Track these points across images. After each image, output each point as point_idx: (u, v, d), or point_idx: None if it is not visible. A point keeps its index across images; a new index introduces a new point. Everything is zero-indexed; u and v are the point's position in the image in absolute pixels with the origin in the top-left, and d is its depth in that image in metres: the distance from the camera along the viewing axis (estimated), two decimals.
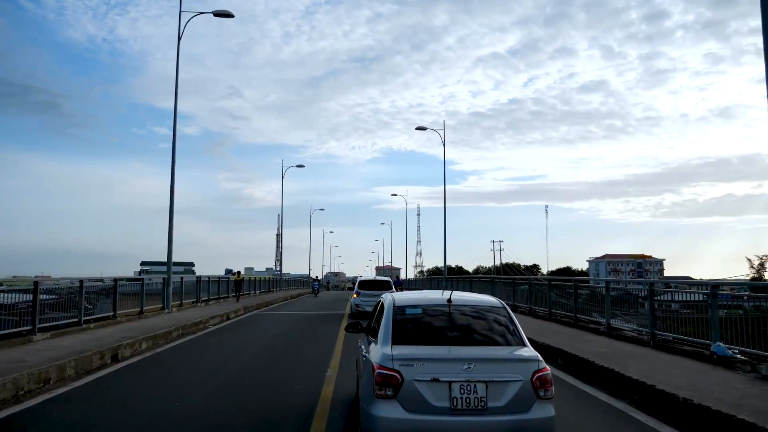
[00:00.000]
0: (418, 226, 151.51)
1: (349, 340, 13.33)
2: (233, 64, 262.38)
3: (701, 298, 10.71)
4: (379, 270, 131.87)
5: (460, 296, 5.69)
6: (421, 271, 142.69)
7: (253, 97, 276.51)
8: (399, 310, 5.32)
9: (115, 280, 15.63)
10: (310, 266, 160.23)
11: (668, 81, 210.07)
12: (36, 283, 12.00)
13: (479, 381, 4.44)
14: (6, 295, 11.50)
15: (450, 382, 4.44)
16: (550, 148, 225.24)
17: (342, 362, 10.37)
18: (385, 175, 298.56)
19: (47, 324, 12.18)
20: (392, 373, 4.47)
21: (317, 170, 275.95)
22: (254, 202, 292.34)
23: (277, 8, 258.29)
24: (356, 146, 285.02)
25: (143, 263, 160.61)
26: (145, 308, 17.77)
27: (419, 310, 5.37)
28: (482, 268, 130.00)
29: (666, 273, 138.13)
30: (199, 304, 23.68)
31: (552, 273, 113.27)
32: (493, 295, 11.39)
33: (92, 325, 13.86)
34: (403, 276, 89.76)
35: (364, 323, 6.59)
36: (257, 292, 37.66)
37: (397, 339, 4.93)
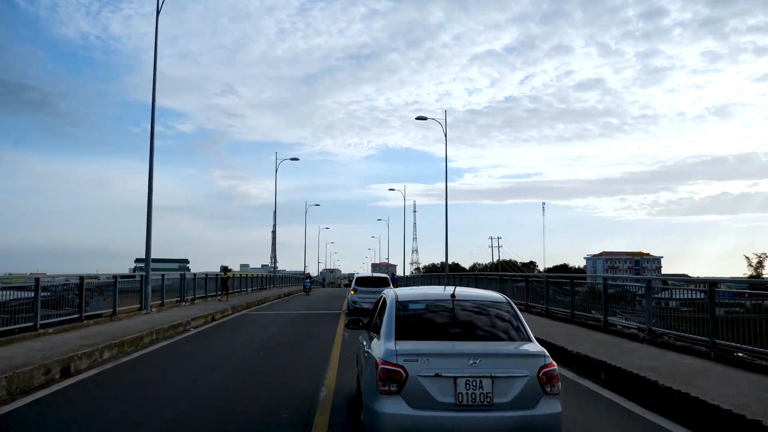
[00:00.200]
0: (414, 223, 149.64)
1: (348, 347, 11.56)
2: (228, 61, 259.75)
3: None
4: (375, 267, 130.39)
5: (464, 291, 5.58)
6: (417, 268, 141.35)
7: (247, 95, 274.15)
8: (402, 305, 5.23)
9: (81, 277, 13.77)
10: (305, 263, 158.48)
11: (665, 79, 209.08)
12: None
13: (485, 376, 4.38)
14: None
15: (455, 378, 4.37)
16: (546, 146, 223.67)
17: (340, 379, 8.58)
18: (380, 173, 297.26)
19: None
20: (396, 368, 4.40)
21: (313, 168, 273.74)
22: (249, 199, 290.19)
23: (272, 5, 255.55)
24: (352, 144, 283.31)
25: (137, 260, 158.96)
26: (119, 309, 15.93)
27: (422, 305, 5.32)
28: (479, 265, 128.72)
29: (663, 271, 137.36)
30: (184, 303, 21.83)
31: (549, 270, 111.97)
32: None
33: (51, 330, 12.01)
34: (399, 273, 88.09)
35: (365, 320, 6.47)
36: (249, 289, 35.83)
37: (401, 334, 4.82)
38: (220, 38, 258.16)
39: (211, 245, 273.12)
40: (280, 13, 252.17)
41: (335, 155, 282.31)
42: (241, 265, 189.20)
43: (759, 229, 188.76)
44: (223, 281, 26.12)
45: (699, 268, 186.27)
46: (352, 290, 21.64)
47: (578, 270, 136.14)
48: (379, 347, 4.82)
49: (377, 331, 5.34)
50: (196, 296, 23.78)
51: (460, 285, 22.56)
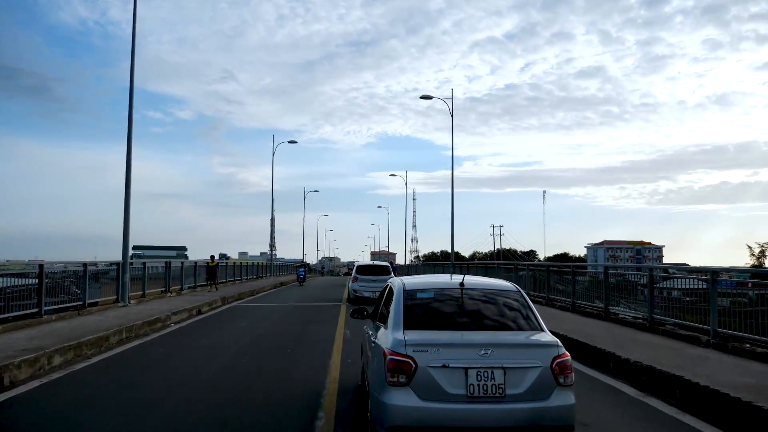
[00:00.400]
0: (414, 211, 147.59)
1: (351, 349, 9.72)
2: (227, 47, 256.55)
3: None
4: (375, 255, 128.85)
5: (473, 280, 5.47)
6: (417, 257, 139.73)
7: (247, 81, 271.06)
8: (409, 294, 5.10)
9: (41, 265, 11.90)
10: (303, 250, 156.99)
11: (666, 67, 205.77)
12: None
13: (497, 367, 4.25)
14: None
15: (466, 369, 4.24)
16: (546, 134, 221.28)
17: (342, 399, 6.74)
18: (380, 160, 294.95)
19: None
20: (405, 359, 4.27)
21: (312, 155, 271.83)
22: (249, 186, 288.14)
23: None
24: (351, 131, 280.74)
25: (135, 247, 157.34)
26: (90, 301, 14.09)
27: (431, 294, 5.18)
28: (478, 253, 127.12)
29: (664, 260, 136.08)
30: (169, 294, 19.96)
31: (549, 259, 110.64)
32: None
33: None
34: (398, 261, 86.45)
35: (370, 309, 6.44)
36: (244, 278, 34.00)
37: (409, 324, 4.69)
38: (219, 24, 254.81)
39: (210, 233, 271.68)
40: None
41: (335, 143, 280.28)
42: (240, 253, 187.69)
43: (758, 219, 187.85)
44: (210, 270, 24.05)
45: (699, 258, 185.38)
46: (353, 278, 21.22)
47: (579, 259, 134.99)
48: (387, 337, 4.67)
49: (383, 321, 5.23)
50: (184, 286, 21.92)
51: (465, 274, 21.09)
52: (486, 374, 4.22)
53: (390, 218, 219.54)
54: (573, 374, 4.43)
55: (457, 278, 5.34)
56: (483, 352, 4.27)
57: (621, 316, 12.62)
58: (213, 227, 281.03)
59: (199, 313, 16.35)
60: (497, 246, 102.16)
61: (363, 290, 20.21)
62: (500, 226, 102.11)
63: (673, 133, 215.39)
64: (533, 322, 4.86)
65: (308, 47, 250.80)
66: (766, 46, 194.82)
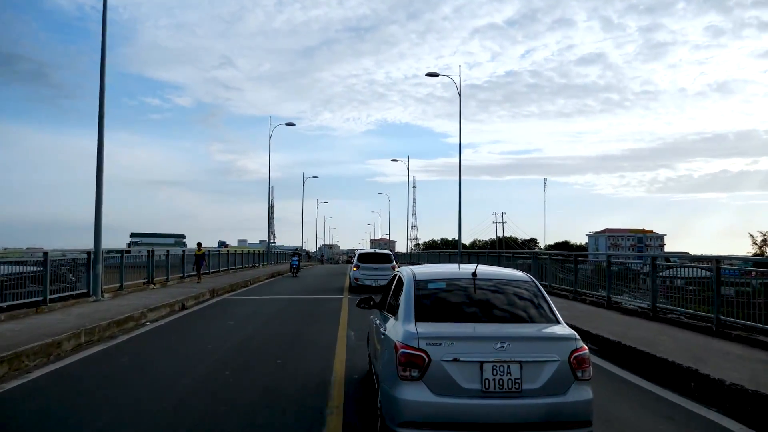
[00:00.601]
0: (414, 199, 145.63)
1: (356, 357, 7.88)
2: (225, 33, 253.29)
3: None
4: (374, 243, 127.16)
5: (485, 270, 5.26)
6: (417, 245, 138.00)
7: (245, 67, 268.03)
8: (420, 284, 4.95)
9: None
10: (302, 238, 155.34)
11: (667, 54, 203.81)
12: None
13: (513, 361, 4.10)
14: None
15: (481, 363, 4.08)
16: (546, 122, 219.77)
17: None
18: (379, 148, 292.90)
19: None
20: (418, 352, 4.12)
21: (311, 142, 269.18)
22: (248, 174, 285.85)
23: None
24: (351, 118, 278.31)
25: (133, 234, 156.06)
26: (53, 296, 12.23)
27: (442, 284, 5.01)
28: (479, 241, 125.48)
29: (666, 248, 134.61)
30: (152, 286, 18.08)
31: (550, 247, 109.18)
32: None
33: None
34: (398, 249, 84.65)
35: (377, 298, 6.26)
36: (238, 267, 32.16)
37: (420, 316, 4.55)
38: (217, 9, 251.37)
39: (210, 220, 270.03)
40: None
41: (334, 129, 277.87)
42: (239, 241, 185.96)
43: (757, 207, 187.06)
44: (197, 259, 21.96)
45: (699, 246, 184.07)
46: (355, 267, 20.95)
47: (580, 247, 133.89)
48: (398, 329, 4.49)
49: (393, 312, 5.08)
50: (170, 277, 20.03)
51: (470, 263, 20.21)
52: (502, 368, 4.08)
53: (390, 206, 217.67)
54: (591, 368, 4.30)
55: (468, 268, 5.27)
56: (498, 345, 4.14)
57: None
58: (212, 215, 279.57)
59: (183, 308, 14.50)
60: (500, 234, 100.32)
61: (364, 278, 20.04)
62: (503, 214, 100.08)
63: (674, 121, 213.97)
64: (549, 314, 4.70)
65: (307, 33, 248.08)
66: None
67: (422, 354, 4.09)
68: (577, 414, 4.13)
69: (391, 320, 4.95)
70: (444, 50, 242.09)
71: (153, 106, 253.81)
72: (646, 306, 11.68)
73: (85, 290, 13.77)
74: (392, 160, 65.03)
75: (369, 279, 19.81)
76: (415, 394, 4.05)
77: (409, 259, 54.06)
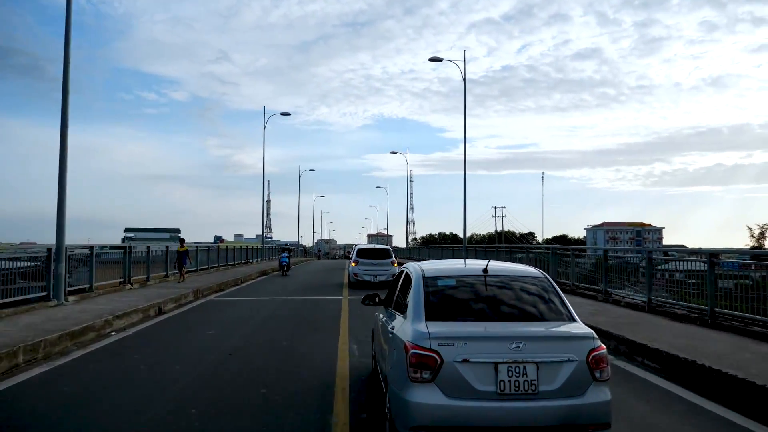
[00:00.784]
0: (411, 193, 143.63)
1: (360, 389, 6.07)
2: (222, 28, 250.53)
3: None
4: (372, 237, 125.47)
5: (496, 266, 5.01)
6: (414, 239, 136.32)
7: (242, 62, 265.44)
8: (429, 281, 4.75)
9: None
10: (299, 232, 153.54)
11: (662, 49, 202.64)
12: None
13: (529, 362, 3.90)
14: None
15: (496, 364, 3.89)
16: (542, 117, 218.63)
17: None
18: (376, 143, 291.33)
19: None
20: (429, 353, 3.92)
21: (308, 137, 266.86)
22: (244, 168, 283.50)
23: None
24: (347, 113, 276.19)
25: (127, 229, 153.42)
26: (4, 301, 10.39)
27: (453, 282, 4.82)
28: (476, 235, 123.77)
29: (663, 242, 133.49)
30: (129, 286, 16.22)
31: (548, 241, 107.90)
32: None
33: None
34: (395, 244, 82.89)
35: (382, 295, 6.19)
36: (229, 264, 30.30)
37: (431, 314, 4.35)
38: (213, 3, 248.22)
39: (206, 215, 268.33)
40: None
41: (330, 124, 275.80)
42: (235, 236, 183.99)
43: (752, 201, 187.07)
44: (179, 256, 19.86)
45: (695, 239, 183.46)
46: (354, 262, 20.60)
47: (578, 241, 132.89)
48: (407, 329, 4.30)
49: (400, 309, 4.92)
50: (150, 275, 18.16)
51: (476, 258, 20.26)
52: (518, 369, 3.86)
53: (387, 200, 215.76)
54: (609, 368, 4.10)
55: (476, 263, 5.14)
56: (514, 345, 3.91)
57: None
58: (208, 209, 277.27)
59: (160, 312, 12.67)
60: (499, 228, 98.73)
61: (364, 274, 19.88)
62: (502, 208, 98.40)
63: (669, 115, 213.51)
64: (564, 312, 4.50)
65: (304, 28, 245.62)
66: (762, 28, 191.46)
67: (434, 355, 3.91)
68: (596, 416, 3.95)
69: (399, 318, 4.80)
70: (440, 45, 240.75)
71: (149, 101, 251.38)
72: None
73: (44, 293, 11.92)
74: (391, 153, 63.30)
75: (368, 274, 19.74)
76: (426, 396, 3.86)
77: (409, 254, 52.30)
